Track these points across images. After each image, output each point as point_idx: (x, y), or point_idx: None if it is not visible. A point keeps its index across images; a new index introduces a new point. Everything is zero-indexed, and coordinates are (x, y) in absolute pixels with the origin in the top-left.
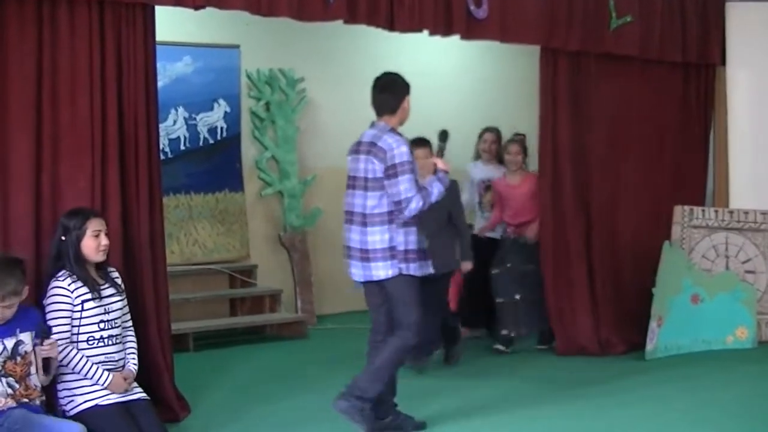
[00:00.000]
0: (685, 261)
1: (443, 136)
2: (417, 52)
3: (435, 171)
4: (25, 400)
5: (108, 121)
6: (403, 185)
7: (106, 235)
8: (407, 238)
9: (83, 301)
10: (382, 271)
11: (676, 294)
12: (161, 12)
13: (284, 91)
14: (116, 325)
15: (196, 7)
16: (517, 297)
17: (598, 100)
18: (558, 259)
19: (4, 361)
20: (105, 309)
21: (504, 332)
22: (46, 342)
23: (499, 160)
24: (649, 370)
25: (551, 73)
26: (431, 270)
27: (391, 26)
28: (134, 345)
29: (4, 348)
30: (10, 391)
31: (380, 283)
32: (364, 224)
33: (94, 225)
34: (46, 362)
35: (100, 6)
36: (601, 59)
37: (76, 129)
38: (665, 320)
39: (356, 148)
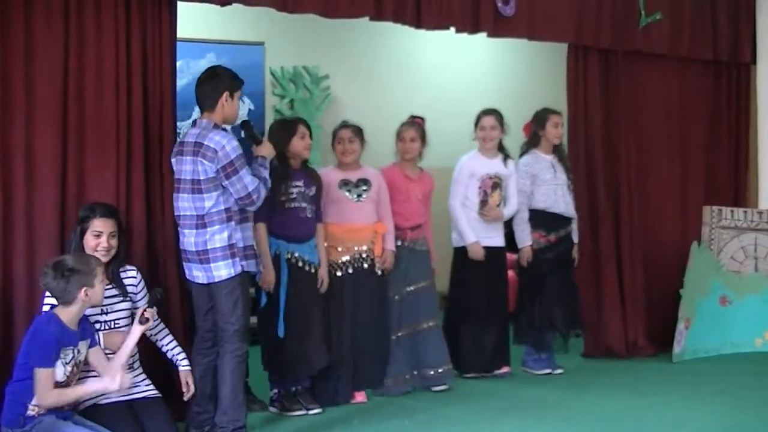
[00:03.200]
0: (713, 262)
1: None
2: (442, 49)
3: (256, 158)
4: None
5: (133, 116)
6: (246, 179)
7: (113, 237)
8: (244, 234)
9: None
10: (224, 270)
11: (704, 296)
12: (185, 9)
13: (308, 89)
14: (118, 326)
15: (223, 4)
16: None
17: (628, 98)
18: (588, 259)
19: (71, 370)
20: (101, 310)
21: None
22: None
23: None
24: (677, 372)
25: (581, 70)
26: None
27: (417, 23)
28: (171, 339)
29: (73, 356)
30: None
31: (212, 286)
32: (201, 225)
33: (98, 225)
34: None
35: (126, 2)
36: (630, 57)
37: (101, 125)
38: (693, 322)
39: (180, 149)
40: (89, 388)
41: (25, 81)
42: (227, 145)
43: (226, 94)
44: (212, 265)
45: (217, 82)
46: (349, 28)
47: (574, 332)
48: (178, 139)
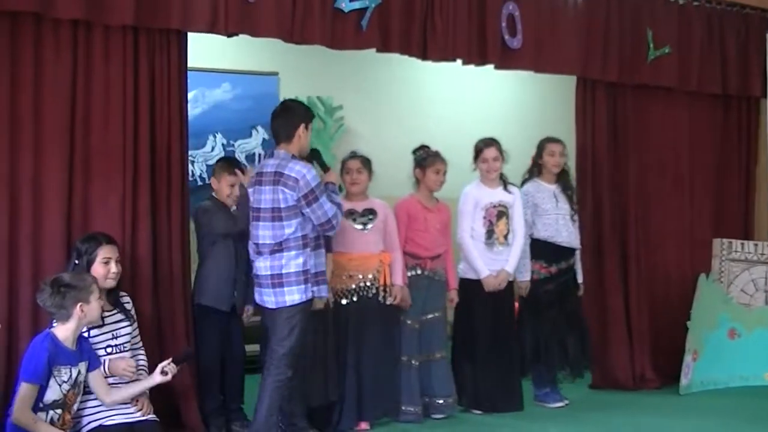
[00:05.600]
0: (721, 295)
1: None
2: (454, 80)
3: (326, 184)
4: (60, 430)
5: (140, 145)
6: (326, 206)
7: (118, 262)
8: (317, 261)
9: (89, 329)
10: (296, 295)
11: (712, 328)
12: (200, 38)
13: (322, 119)
14: (125, 349)
15: (229, 35)
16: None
17: (636, 131)
18: (595, 290)
19: (69, 390)
20: (112, 334)
21: None
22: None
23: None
24: (684, 405)
25: (589, 102)
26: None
27: (423, 55)
28: (145, 365)
29: (70, 376)
30: (53, 420)
31: (278, 309)
32: (278, 251)
33: (105, 252)
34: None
35: (134, 32)
36: (638, 90)
37: (107, 152)
38: (701, 355)
39: (258, 180)
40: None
41: (33, 109)
42: (307, 174)
43: (302, 127)
44: (285, 289)
45: (292, 115)
46: (362, 59)
47: (581, 367)
48: (255, 170)
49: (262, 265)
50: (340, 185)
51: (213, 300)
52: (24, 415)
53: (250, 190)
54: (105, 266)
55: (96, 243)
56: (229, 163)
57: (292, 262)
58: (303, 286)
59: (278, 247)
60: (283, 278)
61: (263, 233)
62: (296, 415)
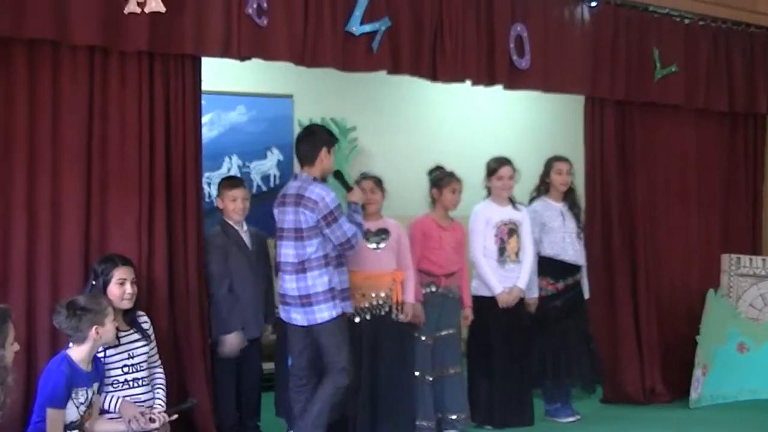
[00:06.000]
0: (730, 309)
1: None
2: (465, 101)
3: (349, 204)
4: None
5: (155, 166)
6: (345, 226)
7: (134, 283)
8: (341, 278)
9: (105, 348)
10: (326, 312)
11: (721, 343)
12: (215, 62)
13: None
14: (142, 368)
15: (242, 59)
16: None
17: (644, 148)
18: (605, 306)
19: (85, 411)
20: (129, 354)
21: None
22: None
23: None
24: (694, 419)
25: (597, 121)
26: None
27: (433, 76)
28: (162, 383)
29: (87, 398)
30: None
31: (314, 328)
32: (302, 271)
33: (121, 273)
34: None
35: (149, 57)
36: (646, 108)
37: (124, 174)
38: (710, 369)
39: (282, 201)
40: None
41: (51, 133)
42: (326, 196)
43: (324, 150)
44: (315, 308)
45: (315, 139)
46: (375, 81)
47: (593, 382)
48: (280, 192)
49: (289, 286)
50: (362, 204)
51: (247, 331)
52: None
53: (275, 211)
54: (120, 287)
55: (112, 264)
56: (227, 179)
57: (318, 281)
58: (331, 303)
59: (301, 267)
60: (312, 298)
61: (286, 252)
62: None
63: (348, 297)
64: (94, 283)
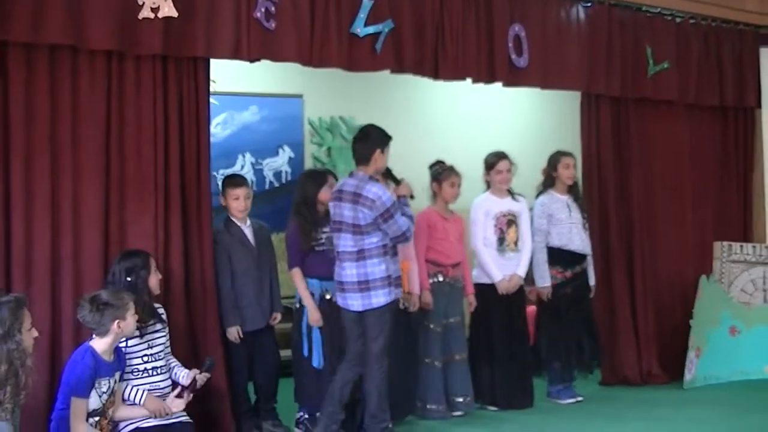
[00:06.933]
0: (722, 294)
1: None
2: (467, 99)
3: (398, 198)
4: None
5: (170, 166)
6: (400, 221)
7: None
8: (395, 267)
9: (126, 339)
10: (382, 298)
11: (713, 326)
12: (228, 64)
13: (344, 138)
14: (160, 357)
15: (251, 60)
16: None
17: (640, 142)
18: (604, 295)
19: (107, 399)
20: (149, 344)
21: None
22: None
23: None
24: (688, 399)
25: (594, 116)
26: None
27: (435, 75)
28: (179, 364)
29: (109, 386)
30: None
31: (366, 312)
32: (362, 259)
33: (153, 261)
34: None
35: (163, 60)
36: (640, 104)
37: (141, 174)
38: (703, 351)
39: (339, 196)
40: None
41: (72, 136)
42: (383, 195)
43: (377, 151)
44: (372, 293)
45: (369, 140)
46: (381, 80)
47: (592, 365)
48: (335, 187)
49: (348, 273)
50: (411, 195)
51: (249, 324)
52: (80, 427)
53: (330, 205)
54: (156, 275)
55: (145, 256)
56: (229, 177)
57: (376, 268)
58: (387, 289)
59: (361, 255)
60: (370, 284)
61: (345, 243)
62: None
63: (399, 284)
64: (129, 279)
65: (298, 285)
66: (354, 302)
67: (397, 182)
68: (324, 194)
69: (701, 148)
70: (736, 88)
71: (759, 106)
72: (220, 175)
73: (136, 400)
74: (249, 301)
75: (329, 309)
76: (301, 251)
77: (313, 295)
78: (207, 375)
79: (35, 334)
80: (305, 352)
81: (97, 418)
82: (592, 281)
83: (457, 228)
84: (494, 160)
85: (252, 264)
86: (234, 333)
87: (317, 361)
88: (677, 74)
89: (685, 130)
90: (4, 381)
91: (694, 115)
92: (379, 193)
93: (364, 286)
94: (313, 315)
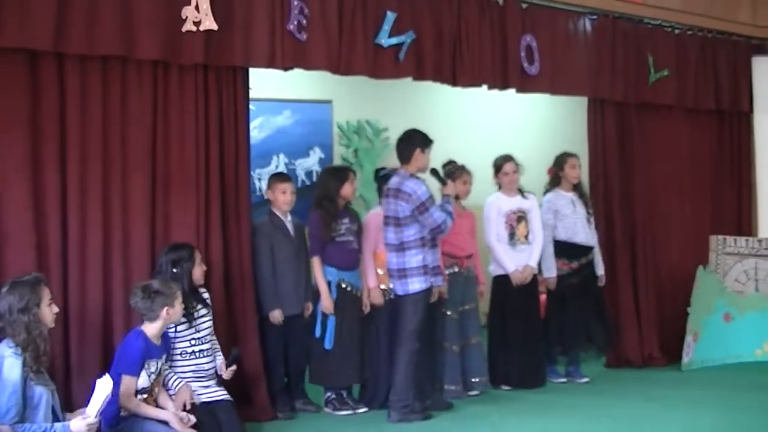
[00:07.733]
0: (717, 284)
1: (434, 171)
2: (484, 104)
3: (444, 196)
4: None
5: (211, 166)
6: (435, 214)
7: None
8: (434, 257)
9: (176, 324)
10: (417, 284)
11: (709, 313)
12: (264, 73)
13: (370, 140)
14: (206, 341)
15: (285, 68)
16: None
17: (642, 144)
18: (609, 286)
19: (155, 379)
20: (195, 329)
21: None
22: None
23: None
24: (686, 380)
25: (599, 120)
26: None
27: (453, 82)
28: (218, 348)
29: (157, 367)
30: None
31: (404, 296)
32: (401, 249)
33: (198, 254)
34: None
35: (204, 69)
36: (642, 108)
37: (184, 174)
38: (700, 336)
39: (387, 193)
40: (158, 414)
41: (121, 139)
42: (418, 189)
43: (417, 151)
44: (408, 280)
45: (409, 141)
46: (405, 87)
47: (605, 348)
48: (386, 186)
49: (392, 261)
50: (457, 195)
51: (287, 309)
52: (131, 402)
53: (383, 200)
54: (201, 266)
55: (190, 249)
56: (277, 174)
57: (413, 258)
58: (423, 278)
59: (401, 246)
60: (407, 272)
61: (390, 235)
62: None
63: (439, 272)
64: (175, 270)
65: (316, 272)
66: (396, 287)
67: (444, 183)
68: (347, 189)
69: (699, 149)
70: (731, 93)
71: (752, 110)
72: (256, 174)
73: (172, 386)
74: (287, 289)
75: (343, 297)
76: (321, 241)
77: (329, 282)
78: (233, 369)
79: (55, 309)
80: (317, 334)
81: (144, 396)
82: (600, 271)
83: (470, 223)
84: (501, 163)
85: (292, 254)
86: (277, 315)
87: (329, 343)
88: (676, 81)
89: (683, 132)
90: (25, 348)
91: (692, 118)
92: (414, 187)
93: (402, 273)
94: (325, 302)
